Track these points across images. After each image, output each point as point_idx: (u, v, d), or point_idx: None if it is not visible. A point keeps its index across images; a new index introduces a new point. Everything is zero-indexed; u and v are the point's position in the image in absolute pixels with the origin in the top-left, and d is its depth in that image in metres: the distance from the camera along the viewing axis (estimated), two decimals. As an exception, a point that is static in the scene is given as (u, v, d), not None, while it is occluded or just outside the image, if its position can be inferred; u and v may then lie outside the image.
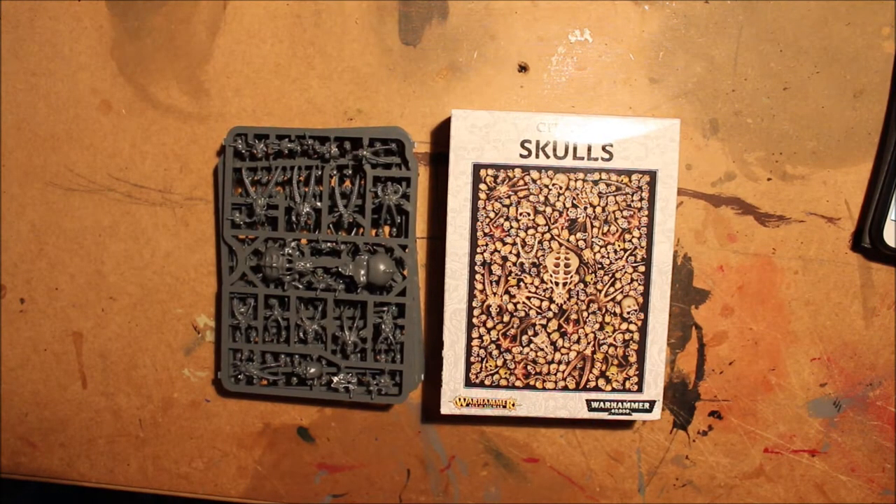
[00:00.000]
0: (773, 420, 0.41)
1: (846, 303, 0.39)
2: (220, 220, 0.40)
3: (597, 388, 0.37)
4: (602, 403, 0.37)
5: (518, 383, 0.37)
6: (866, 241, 0.38)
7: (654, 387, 0.37)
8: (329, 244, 0.39)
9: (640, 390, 0.37)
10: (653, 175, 0.36)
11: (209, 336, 0.42)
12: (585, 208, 0.36)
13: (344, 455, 0.43)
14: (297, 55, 0.39)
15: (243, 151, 0.39)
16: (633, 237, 0.36)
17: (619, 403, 0.37)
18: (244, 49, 0.39)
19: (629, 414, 0.37)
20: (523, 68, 0.39)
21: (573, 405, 0.37)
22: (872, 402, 0.40)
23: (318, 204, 0.39)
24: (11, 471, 0.45)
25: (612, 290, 0.37)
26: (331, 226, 0.39)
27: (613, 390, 0.37)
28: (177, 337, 0.43)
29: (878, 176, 0.37)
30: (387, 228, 0.40)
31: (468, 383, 0.37)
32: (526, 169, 0.36)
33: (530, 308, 0.37)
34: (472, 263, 0.36)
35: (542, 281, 0.36)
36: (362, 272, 0.38)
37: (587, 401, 0.37)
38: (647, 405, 0.37)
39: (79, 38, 0.40)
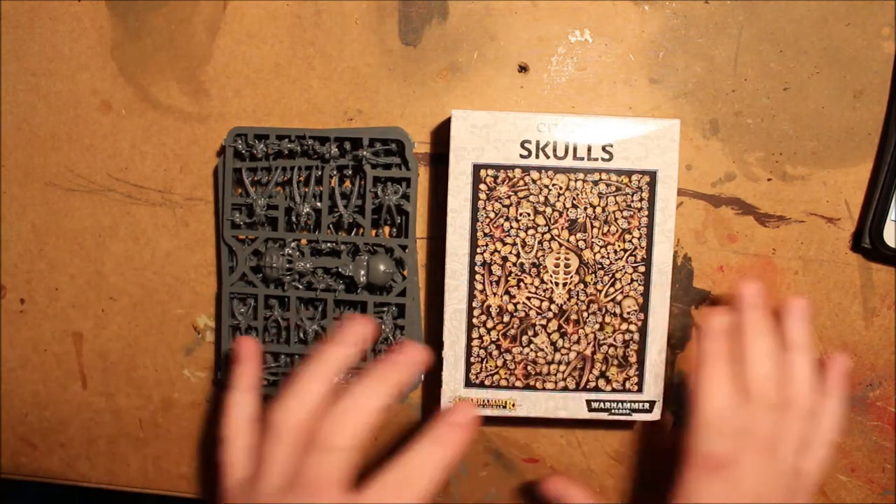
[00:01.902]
0: (773, 420, 0.41)
1: (846, 303, 0.39)
2: (221, 221, 0.40)
3: (597, 389, 0.37)
4: (602, 404, 0.37)
5: (518, 383, 0.37)
6: (866, 242, 0.38)
7: (655, 387, 0.37)
8: (329, 244, 0.39)
9: (640, 390, 0.37)
10: (653, 175, 0.36)
11: (209, 336, 0.42)
12: (585, 208, 0.36)
13: (344, 455, 0.43)
14: (297, 55, 0.39)
15: (243, 152, 0.39)
16: (633, 237, 0.36)
17: (619, 404, 0.37)
18: (244, 49, 0.39)
19: (629, 414, 0.37)
20: (523, 68, 0.39)
21: (573, 405, 0.37)
22: (872, 402, 0.40)
23: (318, 204, 0.39)
24: (11, 471, 0.45)
25: (612, 290, 0.37)
26: (331, 226, 0.39)
27: (613, 390, 0.37)
28: (177, 337, 0.43)
29: (878, 176, 0.37)
30: (387, 229, 0.40)
31: (468, 383, 0.37)
32: (526, 169, 0.36)
33: (530, 308, 0.37)
34: (472, 263, 0.36)
35: (542, 281, 0.36)
36: (362, 272, 0.38)
37: (587, 401, 0.37)
38: (647, 405, 0.37)
39: (79, 39, 0.40)
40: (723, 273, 0.39)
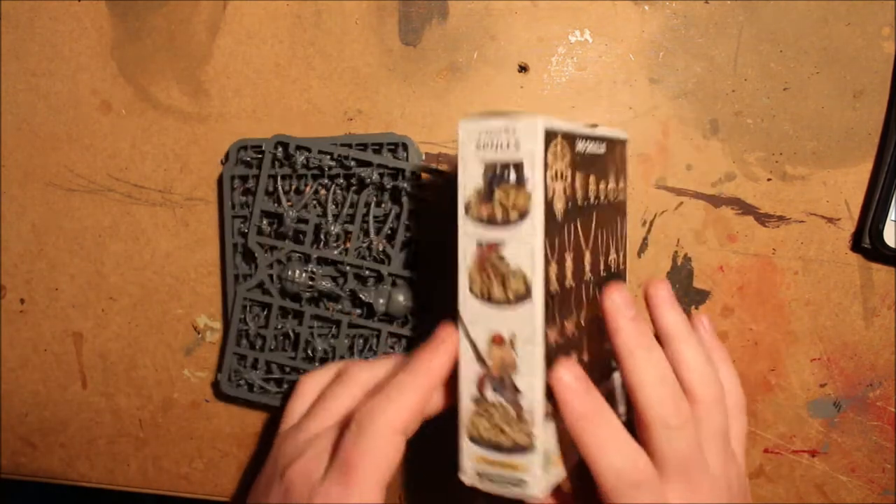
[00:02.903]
0: (773, 420, 0.41)
1: (846, 303, 0.39)
2: (228, 223, 0.39)
3: None
4: None
5: None
6: (866, 242, 0.38)
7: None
8: (353, 267, 0.38)
9: None
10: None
11: (209, 336, 0.42)
12: None
13: (344, 455, 0.43)
14: (297, 55, 0.39)
15: (281, 160, 0.38)
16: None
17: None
18: (244, 49, 0.39)
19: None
20: (523, 68, 0.39)
21: None
22: (872, 402, 0.40)
23: (349, 227, 0.38)
24: (11, 471, 0.45)
25: None
26: (357, 249, 0.38)
27: None
28: (177, 337, 0.43)
29: (878, 176, 0.37)
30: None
31: None
32: None
33: None
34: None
35: None
36: (381, 301, 0.38)
37: None
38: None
39: (79, 39, 0.40)
40: (723, 273, 0.40)
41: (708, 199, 0.39)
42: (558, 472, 0.29)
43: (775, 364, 0.40)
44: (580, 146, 0.30)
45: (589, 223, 0.31)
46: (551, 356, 0.28)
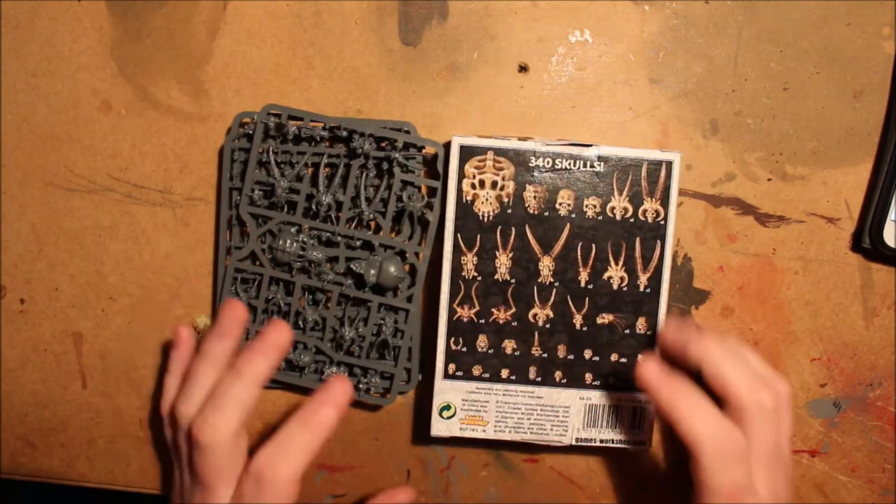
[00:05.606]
0: (773, 420, 0.41)
1: (846, 303, 0.39)
2: (222, 195, 0.39)
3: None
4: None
5: None
6: (866, 242, 0.38)
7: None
8: (345, 238, 0.39)
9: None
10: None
11: (209, 336, 0.42)
12: None
13: (344, 455, 0.43)
14: (297, 55, 0.39)
15: (273, 130, 0.38)
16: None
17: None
18: (244, 49, 0.39)
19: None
20: (523, 68, 0.39)
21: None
22: (872, 402, 0.40)
23: (341, 197, 0.38)
24: (11, 471, 0.45)
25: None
26: (349, 220, 0.39)
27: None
28: (177, 337, 0.43)
29: (878, 176, 0.37)
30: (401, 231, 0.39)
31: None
32: None
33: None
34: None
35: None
36: (373, 272, 0.38)
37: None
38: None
39: (79, 39, 0.40)
40: (723, 273, 0.40)
41: (708, 199, 0.39)
42: (456, 426, 0.38)
43: (775, 364, 0.40)
44: (537, 162, 0.35)
45: (552, 233, 0.36)
46: (459, 326, 0.37)
